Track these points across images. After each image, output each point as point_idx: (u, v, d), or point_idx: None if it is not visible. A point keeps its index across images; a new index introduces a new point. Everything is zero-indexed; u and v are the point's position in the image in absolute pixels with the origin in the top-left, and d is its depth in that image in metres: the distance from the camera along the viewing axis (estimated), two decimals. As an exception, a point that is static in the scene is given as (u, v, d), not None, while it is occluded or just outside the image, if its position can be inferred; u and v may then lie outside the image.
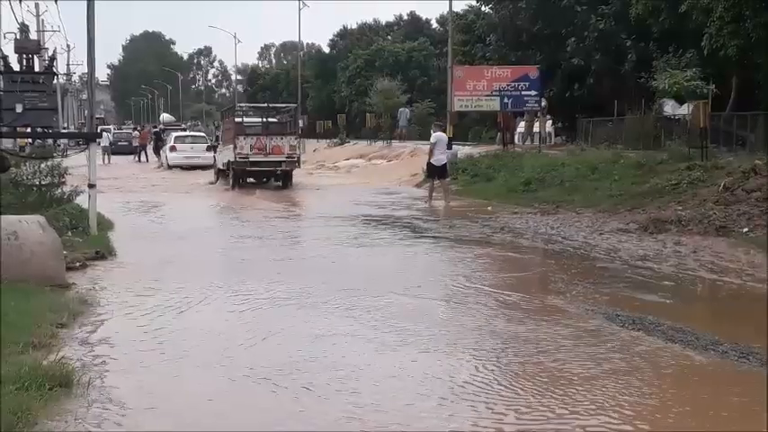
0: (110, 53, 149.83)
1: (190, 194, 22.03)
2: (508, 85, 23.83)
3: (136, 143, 43.41)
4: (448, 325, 7.10)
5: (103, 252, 10.33)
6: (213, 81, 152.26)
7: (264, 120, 24.98)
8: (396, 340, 6.56)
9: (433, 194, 18.81)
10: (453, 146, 24.52)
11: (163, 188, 23.65)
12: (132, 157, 42.08)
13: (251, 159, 22.90)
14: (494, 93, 23.86)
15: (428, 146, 19.33)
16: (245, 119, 25.11)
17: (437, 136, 19.13)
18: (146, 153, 41.60)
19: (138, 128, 49.38)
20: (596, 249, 11.32)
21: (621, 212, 14.29)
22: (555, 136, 29.23)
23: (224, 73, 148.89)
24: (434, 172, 19.00)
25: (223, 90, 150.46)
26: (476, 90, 23.89)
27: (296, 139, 23.85)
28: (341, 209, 17.21)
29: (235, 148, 22.97)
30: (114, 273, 9.39)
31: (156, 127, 50.75)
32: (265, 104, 29.21)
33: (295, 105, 27.54)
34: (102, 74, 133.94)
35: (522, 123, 28.55)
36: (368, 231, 13.52)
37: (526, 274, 9.69)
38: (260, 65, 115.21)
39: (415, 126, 39.71)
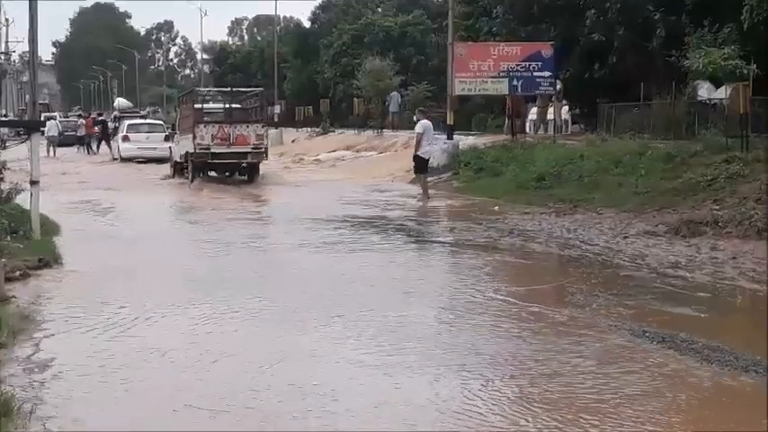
0: (55, 28, 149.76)
1: (144, 191, 22.06)
2: (518, 65, 23.82)
3: (82, 132, 43.19)
4: (443, 344, 7.10)
5: (48, 259, 10.33)
6: (175, 61, 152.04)
7: (227, 106, 25.25)
8: (380, 361, 6.57)
9: (429, 191, 18.80)
10: (454, 136, 24.56)
11: (113, 184, 23.64)
12: (76, 148, 41.93)
13: (212, 150, 23.20)
14: (501, 74, 23.85)
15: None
16: (206, 105, 25.37)
17: (424, 124, 19.25)
18: (95, 144, 41.61)
19: (85, 115, 49.08)
20: (620, 255, 11.34)
21: (649, 212, 14.32)
22: (572, 124, 29.21)
23: (188, 51, 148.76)
24: (423, 166, 19.08)
25: (187, 71, 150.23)
26: (480, 71, 23.88)
27: (263, 127, 24.21)
28: (322, 209, 17.17)
29: (194, 137, 23.23)
30: (60, 283, 9.39)
31: (100, 114, 50.48)
32: (228, 88, 29.48)
33: (261, 89, 27.87)
34: (46, 52, 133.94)
35: (534, 109, 28.53)
36: (353, 235, 13.51)
37: (539, 285, 9.71)
38: (230, 42, 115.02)
39: (408, 113, 39.71)
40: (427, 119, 19.92)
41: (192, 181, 23.66)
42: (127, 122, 37.62)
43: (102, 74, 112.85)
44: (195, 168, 23.81)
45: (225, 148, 23.27)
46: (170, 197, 20.92)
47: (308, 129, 45.91)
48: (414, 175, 20.83)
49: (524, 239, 12.84)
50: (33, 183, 11.77)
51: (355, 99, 42.72)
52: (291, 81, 62.24)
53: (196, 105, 24.62)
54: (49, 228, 12.89)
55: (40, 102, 37.05)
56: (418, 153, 19.12)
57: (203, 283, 9.54)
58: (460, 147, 24.17)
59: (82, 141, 42.74)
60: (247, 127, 23.65)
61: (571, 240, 12.68)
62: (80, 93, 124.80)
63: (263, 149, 23.72)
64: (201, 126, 23.36)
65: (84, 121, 44.40)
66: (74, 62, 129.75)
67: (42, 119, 29.67)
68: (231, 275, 10.06)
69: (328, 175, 27.25)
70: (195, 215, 16.79)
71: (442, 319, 7.99)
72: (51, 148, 38.43)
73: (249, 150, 23.49)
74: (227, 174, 24.52)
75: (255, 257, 11.65)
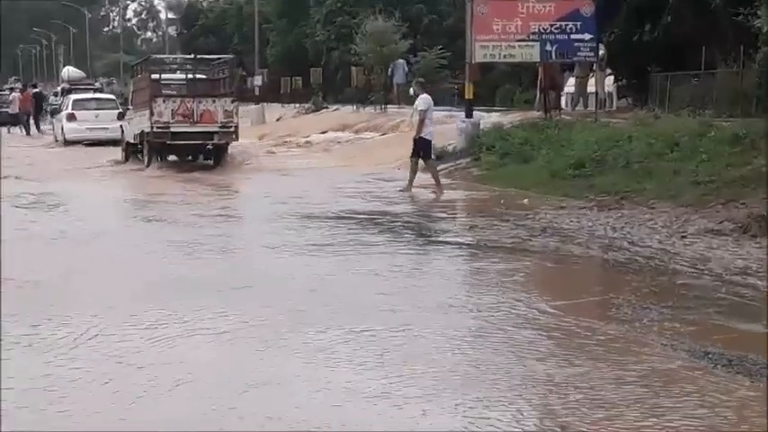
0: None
1: (91, 181, 22.19)
2: (552, 26, 23.76)
3: (15, 110, 43.12)
4: (462, 367, 7.10)
5: (-21, 266, 10.35)
6: (134, 21, 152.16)
7: (190, 77, 25.59)
8: (385, 389, 6.56)
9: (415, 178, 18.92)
10: (474, 113, 24.54)
11: (53, 172, 23.79)
12: (7, 129, 42.05)
13: (173, 130, 23.59)
14: (531, 36, 23.78)
15: (417, 113, 19.16)
16: (165, 75, 25.62)
17: (427, 100, 19.17)
18: (29, 123, 41.68)
19: (19, 88, 48.92)
20: (677, 259, 11.32)
21: (712, 206, 14.28)
22: (618, 97, 29.22)
23: (150, 9, 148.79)
24: (429, 150, 19.02)
25: (149, 34, 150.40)
26: (506, 33, 23.83)
27: (233, 102, 24.47)
28: (312, 203, 17.21)
29: (151, 114, 23.57)
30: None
31: (35, 86, 50.36)
32: (192, 55, 30.09)
33: (232, 57, 28.37)
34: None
35: (572, 80, 28.52)
36: (350, 235, 13.50)
37: (577, 296, 9.69)
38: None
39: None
40: (428, 92, 19.81)
41: (148, 165, 24.04)
42: (72, 98, 37.70)
43: (45, 37, 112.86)
44: (152, 150, 24.17)
45: (187, 126, 23.70)
46: (122, 188, 21.06)
47: (296, 104, 46.02)
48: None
49: (560, 240, 12.82)
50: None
51: (353, 68, 42.68)
52: (276, 46, 62.30)
53: (153, 76, 24.83)
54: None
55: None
56: (422, 135, 19.02)
57: (163, 294, 9.55)
58: (482, 126, 24.16)
59: (17, 120, 42.67)
60: (214, 102, 24.01)
61: (617, 241, 12.66)
62: (18, 61, 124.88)
63: (232, 128, 24.11)
64: (160, 100, 23.73)
65: (17, 95, 44.11)
66: (9, 23, 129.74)
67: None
68: (197, 285, 10.05)
69: (321, 160, 27.25)
70: (153, 210, 16.79)
71: (460, 338, 7.98)
72: None
73: (216, 129, 23.92)
74: (188, 157, 24.97)
75: (227, 263, 11.64)
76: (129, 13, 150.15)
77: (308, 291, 9.75)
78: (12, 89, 51.49)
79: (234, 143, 25.05)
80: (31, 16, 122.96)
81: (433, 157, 19.65)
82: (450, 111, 32.33)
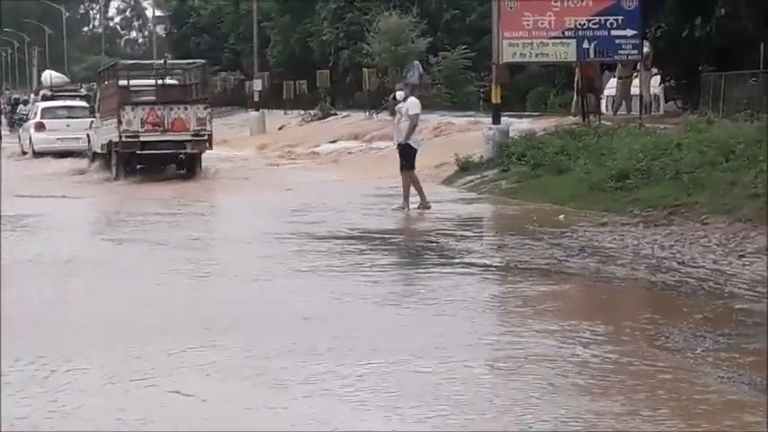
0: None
1: (54, 192, 22.60)
2: (590, 21, 23.79)
3: None
4: (491, 409, 7.06)
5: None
6: (117, 20, 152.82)
7: (161, 82, 26.84)
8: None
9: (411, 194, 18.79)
10: (502, 119, 24.55)
11: (10, 184, 23.97)
12: None
13: (142, 139, 24.70)
14: (567, 33, 23.81)
15: (407, 118, 18.84)
16: (133, 81, 26.65)
17: (419, 104, 19.07)
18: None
19: None
20: (734, 281, 11.28)
21: (774, 222, 14.23)
22: (665, 100, 29.15)
23: (134, 6, 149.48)
24: (409, 157, 18.92)
25: (134, 34, 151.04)
26: (538, 29, 23.85)
27: (206, 108, 25.69)
28: (318, 220, 17.30)
29: (119, 123, 24.58)
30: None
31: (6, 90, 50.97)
32: (161, 61, 31.53)
33: (203, 62, 29.36)
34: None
35: (613, 81, 28.50)
36: (362, 257, 13.53)
37: (622, 323, 9.64)
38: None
39: (439, 86, 39.81)
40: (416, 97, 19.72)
41: (116, 176, 25.08)
42: (40, 105, 38.41)
43: (16, 39, 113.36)
44: (120, 160, 25.15)
45: (158, 135, 24.83)
46: (89, 203, 21.46)
47: (301, 111, 46.11)
48: (456, 172, 20.81)
49: (601, 260, 12.78)
50: None
51: (365, 70, 42.73)
52: (277, 46, 62.41)
53: (121, 82, 26.02)
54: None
55: None
56: (409, 142, 18.85)
57: (132, 327, 9.56)
58: (511, 134, 24.16)
59: None
60: (186, 109, 25.18)
61: (666, 261, 12.62)
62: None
63: (205, 136, 25.24)
64: (128, 108, 24.83)
65: None
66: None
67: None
68: (176, 317, 10.06)
69: (329, 173, 27.30)
70: (124, 230, 16.93)
71: (488, 374, 7.99)
72: None
73: (188, 138, 25.00)
74: (161, 167, 26.01)
75: (213, 291, 11.65)
76: (112, 11, 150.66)
77: (313, 322, 9.76)
78: None
79: (230, 154, 25.55)
80: (3, 16, 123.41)
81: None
82: (475, 117, 32.40)
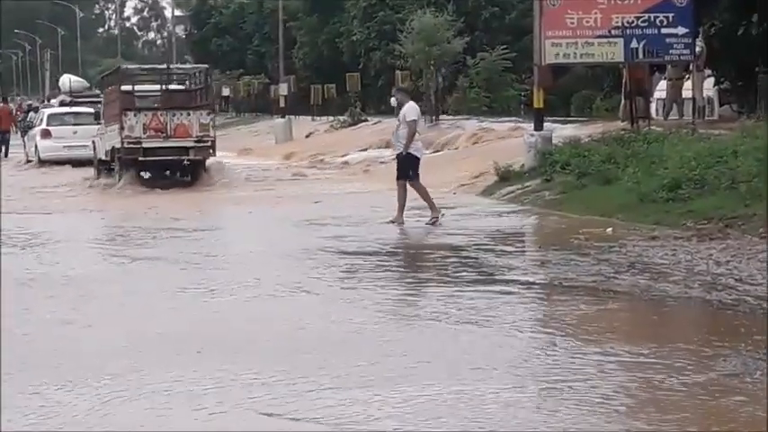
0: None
1: (61, 204, 23.35)
2: (638, 18, 23.74)
3: None
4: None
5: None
6: (134, 20, 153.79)
7: (164, 88, 28.34)
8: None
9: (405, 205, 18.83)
10: (545, 124, 24.53)
11: (16, 195, 24.91)
12: None
13: (145, 145, 25.93)
14: (613, 32, 23.77)
15: (409, 125, 18.74)
16: (137, 87, 28.37)
17: (416, 109, 19.05)
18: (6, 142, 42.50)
19: None
20: (797, 299, 11.22)
21: (840, 235, 14.17)
22: (720, 104, 29.05)
23: (152, 6, 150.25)
24: (414, 168, 18.86)
25: (152, 35, 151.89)
26: (583, 27, 23.83)
27: (209, 114, 27.01)
28: (347, 234, 17.41)
29: (121, 129, 25.82)
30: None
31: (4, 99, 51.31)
32: (164, 66, 32.56)
33: (207, 66, 30.67)
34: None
35: (664, 83, 28.44)
36: (393, 273, 13.57)
37: (675, 345, 9.62)
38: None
39: (476, 89, 39.77)
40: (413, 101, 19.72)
41: (119, 182, 26.21)
42: (46, 112, 39.21)
43: (28, 41, 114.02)
44: (123, 167, 26.35)
45: (160, 141, 26.06)
46: (96, 215, 21.91)
47: (330, 117, 46.20)
48: (495, 183, 20.74)
49: (652, 277, 12.72)
50: None
51: (398, 72, 42.89)
52: (304, 48, 62.69)
53: (123, 88, 27.39)
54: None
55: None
56: (411, 151, 18.77)
57: (147, 350, 9.63)
58: (554, 141, 24.14)
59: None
60: (189, 114, 26.42)
61: (722, 278, 12.54)
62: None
63: (209, 142, 26.46)
64: (130, 114, 26.10)
65: None
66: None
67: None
68: (192, 340, 10.08)
69: (359, 183, 27.34)
70: (133, 246, 17.07)
71: (532, 398, 7.99)
72: None
73: (191, 144, 26.26)
74: (166, 173, 27.45)
75: (235, 312, 11.66)
76: (128, 11, 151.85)
77: (347, 343, 9.80)
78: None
79: (255, 164, 26.13)
80: (10, 17, 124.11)
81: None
82: (515, 122, 32.42)
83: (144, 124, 25.88)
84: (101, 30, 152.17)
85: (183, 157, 26.59)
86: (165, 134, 26.00)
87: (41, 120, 37.63)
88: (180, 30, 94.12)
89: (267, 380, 8.44)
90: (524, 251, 16.14)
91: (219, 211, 22.54)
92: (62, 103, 48.47)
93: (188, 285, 12.99)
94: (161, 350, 9.64)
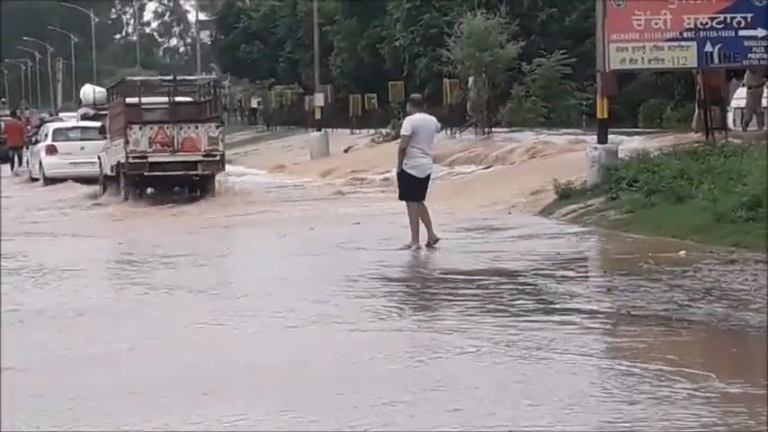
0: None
1: (70, 224, 23.95)
2: (713, 20, 23.69)
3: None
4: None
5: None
6: (155, 25, 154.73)
7: (171, 100, 29.24)
8: None
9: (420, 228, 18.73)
10: (610, 136, 24.47)
11: (17, 216, 25.59)
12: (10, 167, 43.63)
13: (150, 160, 26.96)
14: (685, 34, 23.73)
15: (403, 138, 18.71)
16: (143, 99, 29.16)
17: (416, 122, 18.71)
18: (19, 158, 43.25)
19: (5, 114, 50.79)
20: None
21: None
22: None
23: (175, 10, 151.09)
24: (415, 189, 18.78)
25: (174, 41, 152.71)
26: (651, 30, 23.79)
27: (217, 127, 28.09)
28: (392, 259, 17.46)
29: (126, 143, 26.86)
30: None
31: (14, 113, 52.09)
32: (170, 77, 33.30)
33: (215, 77, 32.71)
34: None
35: (742, 90, 28.33)
36: (443, 301, 13.60)
37: (757, 380, 9.54)
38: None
39: (532, 99, 39.69)
40: (422, 112, 19.40)
41: (125, 198, 27.34)
42: (51, 127, 40.12)
43: (39, 49, 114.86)
44: (129, 182, 27.44)
45: (167, 155, 27.12)
46: (103, 237, 22.31)
47: (371, 130, 46.33)
48: (554, 202, 20.67)
49: (730, 305, 12.67)
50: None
51: (445, 80, 42.87)
52: (342, 54, 62.83)
53: (129, 100, 28.57)
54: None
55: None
56: (405, 168, 18.58)
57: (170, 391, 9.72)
58: (620, 155, 24.09)
59: (5, 156, 44.30)
60: (197, 128, 27.48)
61: (810, 306, 12.47)
62: (3, 79, 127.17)
63: (217, 157, 27.58)
64: (135, 127, 27.09)
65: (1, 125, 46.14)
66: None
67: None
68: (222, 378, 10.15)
69: (403, 203, 27.26)
70: (153, 273, 17.17)
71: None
72: None
73: (199, 158, 27.28)
74: (174, 188, 28.64)
75: (271, 345, 11.72)
76: (148, 16, 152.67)
77: (393, 377, 9.83)
78: (14, 114, 53.29)
79: (288, 182, 26.58)
80: (18, 22, 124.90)
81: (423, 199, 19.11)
82: (576, 134, 32.37)
83: (150, 138, 26.87)
84: (118, 36, 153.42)
85: (192, 172, 27.51)
86: (171, 148, 27.00)
87: (46, 135, 38.34)
88: (205, 35, 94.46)
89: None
90: (588, 277, 16.10)
91: (249, 235, 22.58)
92: (84, 117, 48.97)
93: (217, 315, 13.08)
94: (201, 386, 9.69)
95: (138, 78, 36.95)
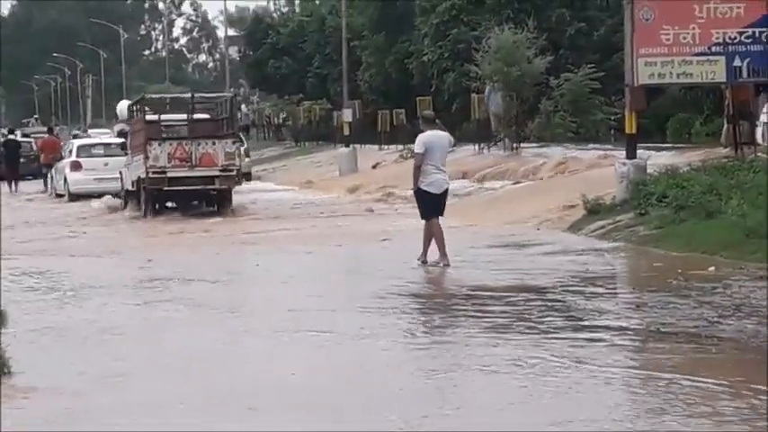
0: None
1: (93, 239, 24.41)
2: (741, 34, 23.63)
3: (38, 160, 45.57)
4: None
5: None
6: (184, 41, 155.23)
7: (190, 117, 30.41)
8: None
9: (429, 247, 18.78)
10: (638, 151, 24.45)
11: (46, 232, 26.07)
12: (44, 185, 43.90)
13: (169, 175, 27.92)
14: (715, 48, 23.68)
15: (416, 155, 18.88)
16: (163, 116, 30.74)
17: (429, 138, 18.59)
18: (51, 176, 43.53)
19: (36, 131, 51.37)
20: None
21: None
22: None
23: (203, 26, 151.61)
24: (436, 204, 18.73)
25: (203, 57, 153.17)
26: (679, 44, 23.75)
27: (234, 143, 29.39)
28: (420, 276, 17.57)
29: (146, 158, 27.89)
30: (13, 408, 9.56)
31: (51, 130, 52.56)
32: (189, 94, 34.83)
33: (233, 95, 33.88)
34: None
35: (772, 105, 28.27)
36: (471, 318, 13.61)
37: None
38: (271, 7, 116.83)
39: (560, 114, 39.61)
40: (434, 128, 19.23)
41: (145, 214, 28.28)
42: (76, 143, 40.77)
43: (69, 66, 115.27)
44: (149, 197, 28.46)
45: (186, 171, 28.11)
46: (128, 256, 22.37)
47: (399, 146, 46.25)
48: (583, 217, 20.63)
49: (760, 322, 12.63)
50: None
51: (474, 96, 42.87)
52: (370, 69, 62.90)
53: (148, 117, 29.98)
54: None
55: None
56: (421, 186, 18.50)
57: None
58: (649, 170, 24.06)
59: (38, 173, 44.59)
60: (214, 144, 28.44)
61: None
62: (33, 96, 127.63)
63: (234, 171, 28.74)
64: (155, 144, 28.11)
65: (36, 141, 46.62)
66: (23, 48, 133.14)
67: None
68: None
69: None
70: (181, 291, 17.18)
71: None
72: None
73: (217, 173, 28.27)
74: (193, 203, 29.75)
75: (307, 367, 11.72)
76: (177, 32, 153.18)
77: (419, 394, 9.84)
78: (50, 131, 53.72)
79: (316, 198, 27.13)
80: (49, 39, 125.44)
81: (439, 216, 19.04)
82: (605, 150, 32.31)
83: (169, 153, 27.83)
84: (147, 52, 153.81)
85: (209, 187, 28.51)
86: (190, 163, 27.94)
87: (71, 151, 39.04)
88: (233, 51, 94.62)
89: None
90: (617, 293, 16.06)
91: (275, 251, 22.58)
92: (120, 133, 49.25)
93: (246, 333, 13.14)
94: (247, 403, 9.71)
95: (157, 96, 38.40)
